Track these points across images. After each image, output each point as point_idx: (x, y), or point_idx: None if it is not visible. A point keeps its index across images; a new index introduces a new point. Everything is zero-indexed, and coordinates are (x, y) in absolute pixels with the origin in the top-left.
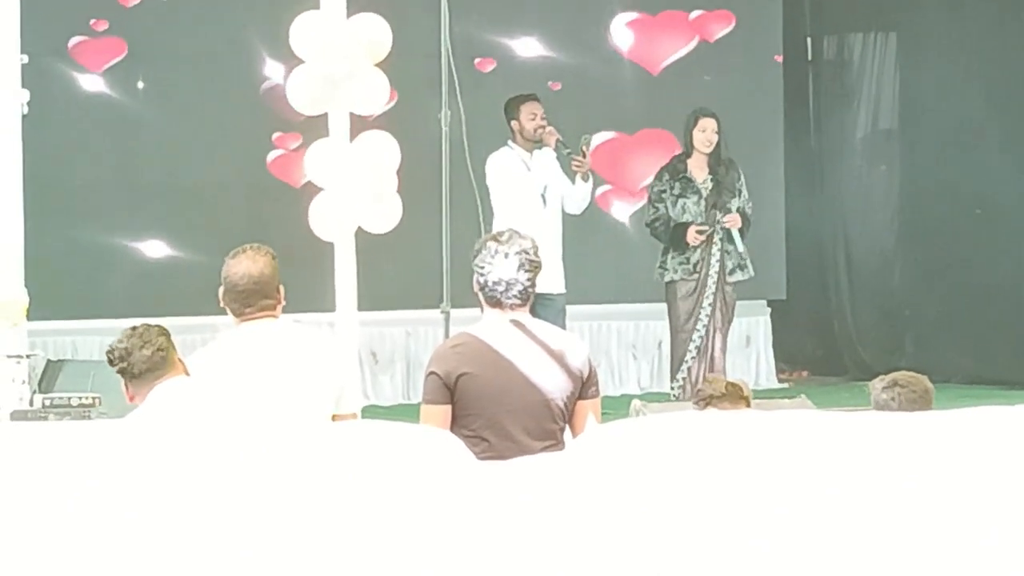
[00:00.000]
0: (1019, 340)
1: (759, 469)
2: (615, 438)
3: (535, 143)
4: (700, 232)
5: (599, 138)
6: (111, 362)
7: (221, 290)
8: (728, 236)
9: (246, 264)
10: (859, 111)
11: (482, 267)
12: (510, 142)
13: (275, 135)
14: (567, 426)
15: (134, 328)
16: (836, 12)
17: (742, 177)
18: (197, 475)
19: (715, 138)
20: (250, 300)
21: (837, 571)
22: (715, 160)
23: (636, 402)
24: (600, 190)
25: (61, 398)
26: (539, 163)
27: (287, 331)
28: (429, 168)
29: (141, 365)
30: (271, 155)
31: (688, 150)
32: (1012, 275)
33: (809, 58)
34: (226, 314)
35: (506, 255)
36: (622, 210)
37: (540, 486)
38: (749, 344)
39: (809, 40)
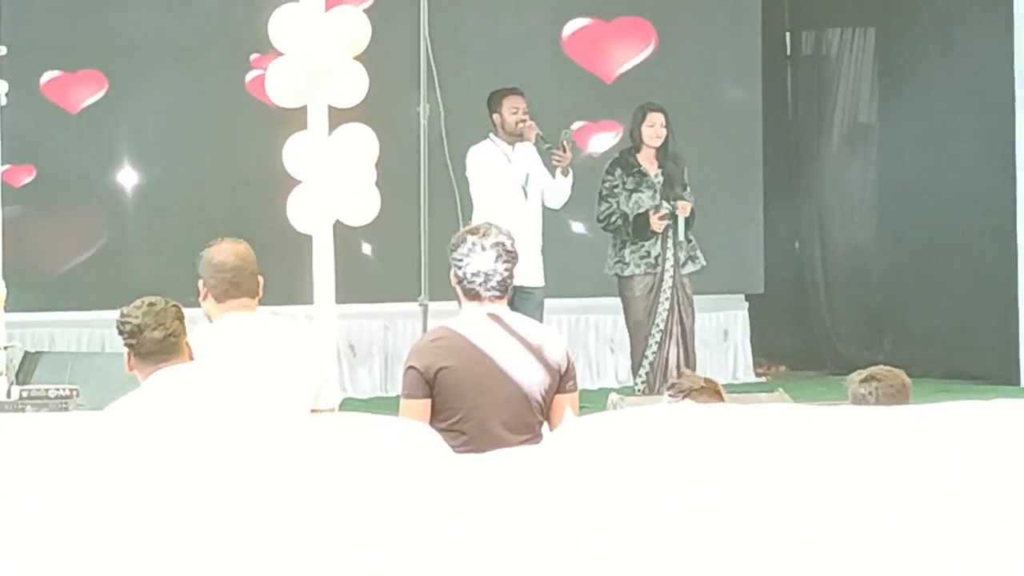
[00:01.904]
0: (996, 335)
1: (737, 462)
2: (593, 431)
3: (516, 136)
4: (662, 218)
5: (575, 24)
6: (120, 332)
7: (201, 282)
8: (676, 227)
9: (228, 247)
10: (837, 106)
11: (460, 260)
12: (492, 135)
13: (253, 56)
14: (545, 420)
15: (151, 304)
16: (815, 7)
17: (686, 172)
18: (176, 469)
19: (663, 132)
20: (235, 280)
21: (814, 564)
22: (663, 154)
23: (614, 395)
24: (575, 125)
25: (39, 390)
26: (521, 156)
27: (265, 324)
28: (408, 161)
29: (150, 346)
30: (249, 75)
31: (636, 144)
32: (990, 270)
33: (788, 53)
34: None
35: (483, 247)
36: (601, 142)
37: (517, 479)
38: (727, 338)
39: (788, 35)
